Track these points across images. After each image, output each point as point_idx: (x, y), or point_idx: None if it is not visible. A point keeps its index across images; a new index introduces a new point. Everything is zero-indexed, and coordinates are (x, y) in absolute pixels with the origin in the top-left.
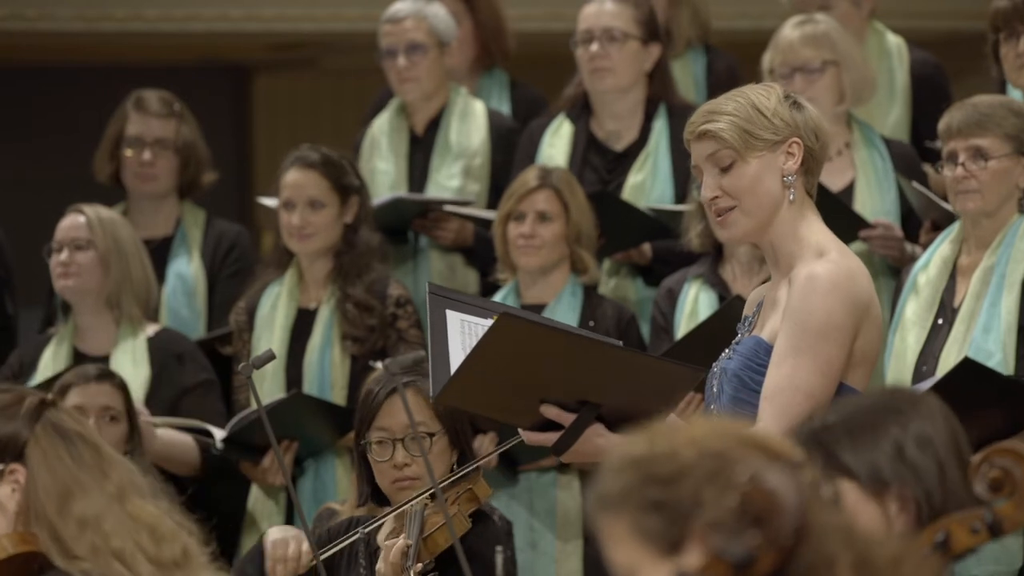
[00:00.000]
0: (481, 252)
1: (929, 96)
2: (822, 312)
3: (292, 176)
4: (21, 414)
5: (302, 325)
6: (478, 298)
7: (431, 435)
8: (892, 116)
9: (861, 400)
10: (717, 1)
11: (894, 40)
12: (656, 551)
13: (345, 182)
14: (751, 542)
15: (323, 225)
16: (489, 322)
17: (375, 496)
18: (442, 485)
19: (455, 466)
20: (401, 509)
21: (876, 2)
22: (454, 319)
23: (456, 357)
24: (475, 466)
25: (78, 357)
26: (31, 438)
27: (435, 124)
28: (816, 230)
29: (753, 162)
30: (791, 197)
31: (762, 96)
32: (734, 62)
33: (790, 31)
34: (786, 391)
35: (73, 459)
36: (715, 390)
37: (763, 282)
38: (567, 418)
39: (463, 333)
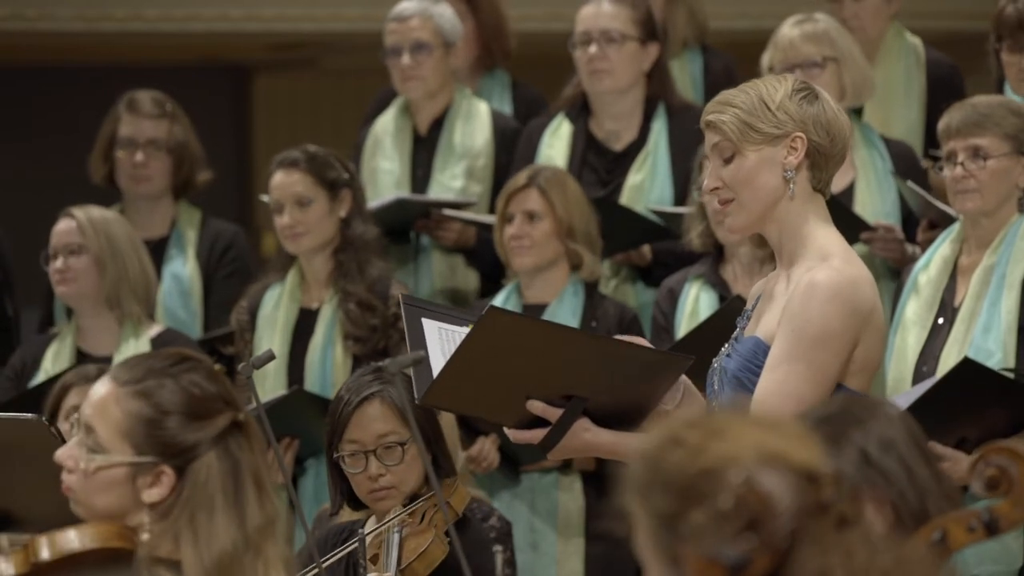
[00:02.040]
0: (484, 254)
1: (945, 97)
2: (820, 320)
3: (276, 179)
4: (208, 430)
5: (304, 325)
6: (452, 307)
7: (402, 444)
8: (908, 116)
9: (819, 412)
10: (716, 1)
11: (912, 40)
12: (661, 558)
13: (330, 176)
14: (746, 545)
15: (314, 222)
16: (466, 330)
17: (351, 503)
18: (416, 506)
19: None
20: (385, 525)
21: (902, 2)
22: (431, 327)
23: (437, 363)
24: (427, 497)
25: (81, 357)
26: (201, 458)
27: (439, 124)
28: (823, 232)
29: (751, 155)
30: (791, 193)
31: (771, 88)
32: (731, 62)
33: (789, 29)
34: (777, 397)
35: (224, 497)
36: (716, 387)
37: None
38: (553, 413)
39: (441, 340)
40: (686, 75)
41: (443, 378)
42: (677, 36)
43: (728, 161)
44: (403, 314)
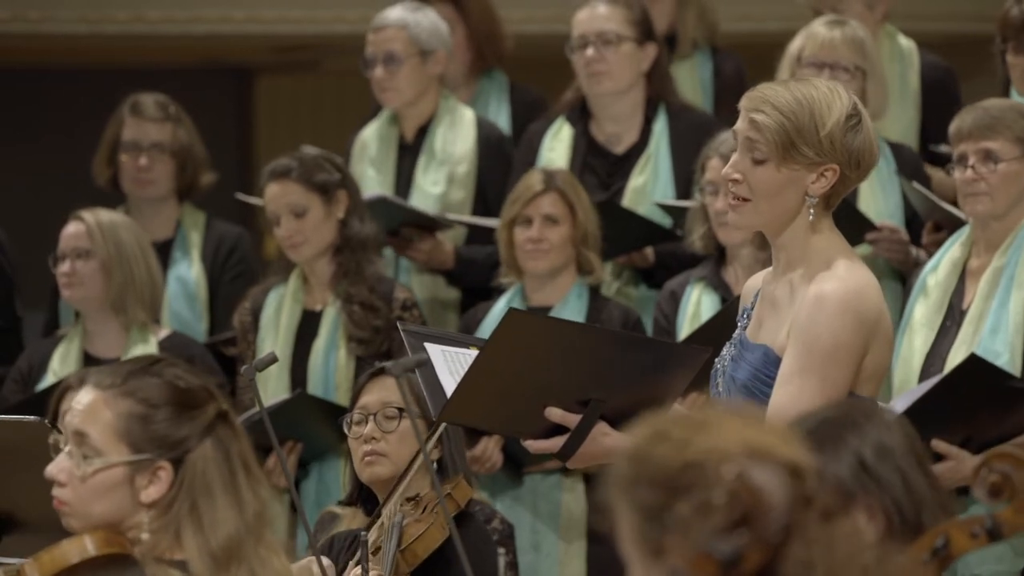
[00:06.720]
0: (466, 275)
1: (939, 100)
2: (829, 334)
3: (269, 191)
4: (198, 420)
5: (307, 327)
6: (453, 333)
7: (401, 411)
8: (903, 120)
9: (818, 415)
10: (719, 3)
11: (906, 43)
12: (645, 552)
13: (320, 180)
14: (738, 540)
15: (311, 229)
16: (470, 351)
17: (363, 494)
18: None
19: (436, 465)
20: (382, 518)
21: (890, 6)
22: (435, 351)
23: (447, 382)
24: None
25: (88, 360)
26: (195, 449)
27: (424, 131)
28: (827, 238)
29: (784, 171)
30: (809, 216)
31: (825, 107)
32: (741, 64)
33: (829, 28)
34: (791, 411)
35: (223, 485)
36: (720, 389)
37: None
38: (572, 420)
39: (447, 362)
40: (695, 77)
41: (461, 391)
42: (687, 37)
43: (757, 162)
44: (406, 342)
